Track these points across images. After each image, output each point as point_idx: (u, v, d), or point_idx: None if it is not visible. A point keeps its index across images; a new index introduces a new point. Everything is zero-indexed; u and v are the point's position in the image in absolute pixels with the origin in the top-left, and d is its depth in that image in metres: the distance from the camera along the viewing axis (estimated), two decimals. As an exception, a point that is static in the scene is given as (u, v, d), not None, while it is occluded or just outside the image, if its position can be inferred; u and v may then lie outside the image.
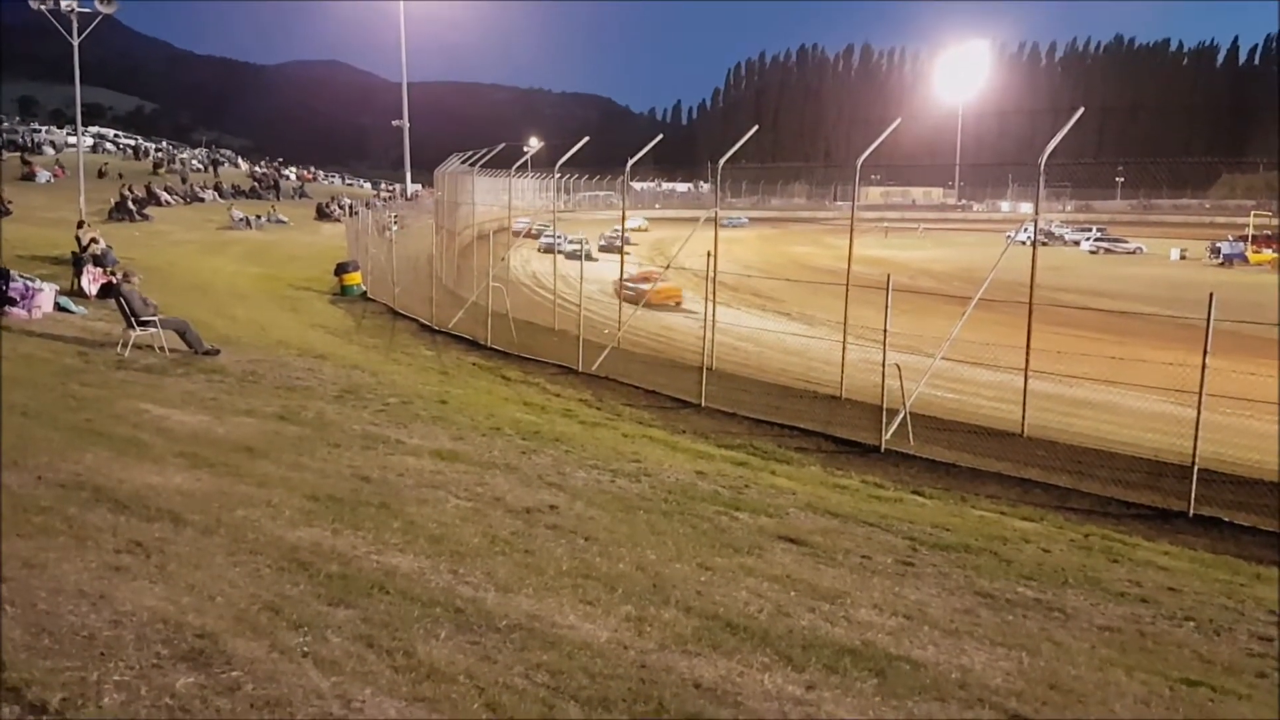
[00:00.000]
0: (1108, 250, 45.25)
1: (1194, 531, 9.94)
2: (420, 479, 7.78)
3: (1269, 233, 41.59)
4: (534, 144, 34.07)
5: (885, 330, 13.41)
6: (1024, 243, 26.06)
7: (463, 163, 30.95)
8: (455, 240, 31.05)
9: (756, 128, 22.19)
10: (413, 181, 66.36)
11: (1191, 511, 10.39)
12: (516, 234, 27.95)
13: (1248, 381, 13.42)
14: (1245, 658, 5.78)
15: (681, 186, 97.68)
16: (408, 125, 59.80)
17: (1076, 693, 4.57)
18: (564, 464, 9.02)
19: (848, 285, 16.02)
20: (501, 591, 5.17)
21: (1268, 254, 38.62)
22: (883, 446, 12.84)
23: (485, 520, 6.72)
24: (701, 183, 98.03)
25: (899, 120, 18.65)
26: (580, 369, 17.78)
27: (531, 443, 9.94)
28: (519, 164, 26.34)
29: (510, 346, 19.86)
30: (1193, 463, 10.61)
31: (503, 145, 27.92)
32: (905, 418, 13.09)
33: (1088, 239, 46.60)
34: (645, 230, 53.03)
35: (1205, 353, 10.69)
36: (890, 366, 13.18)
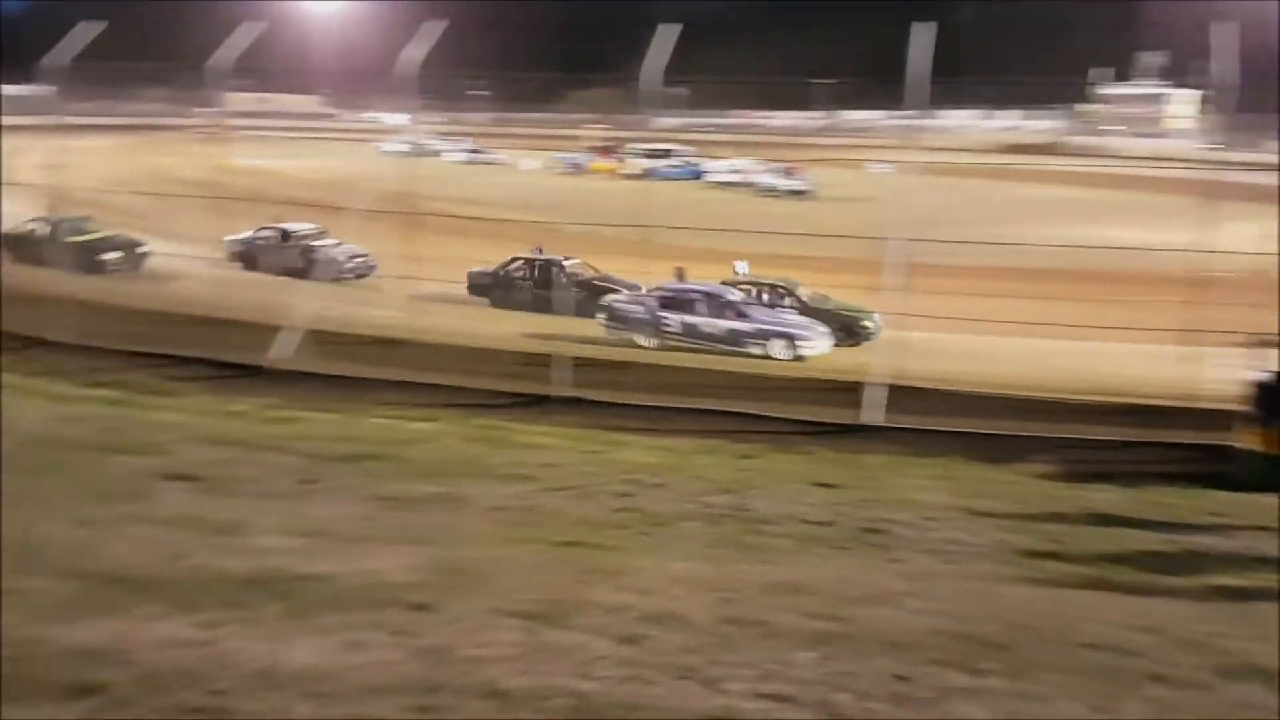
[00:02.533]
0: (473, 161, 48.11)
1: (565, 412, 11.21)
2: None
3: (608, 144, 47.30)
4: None
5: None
6: (396, 153, 26.63)
7: None
8: None
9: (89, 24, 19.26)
10: None
11: (563, 394, 11.73)
12: None
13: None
14: (609, 514, 6.72)
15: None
16: None
17: (475, 573, 4.91)
18: None
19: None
20: None
21: (606, 163, 44.04)
22: (273, 366, 12.44)
23: None
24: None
25: (264, 24, 17.57)
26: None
27: None
28: None
29: None
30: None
31: None
32: (302, 335, 12.80)
33: (457, 150, 48.96)
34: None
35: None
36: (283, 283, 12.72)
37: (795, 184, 39.46)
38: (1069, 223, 27.26)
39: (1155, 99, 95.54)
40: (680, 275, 16.29)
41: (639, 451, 9.08)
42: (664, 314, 14.99)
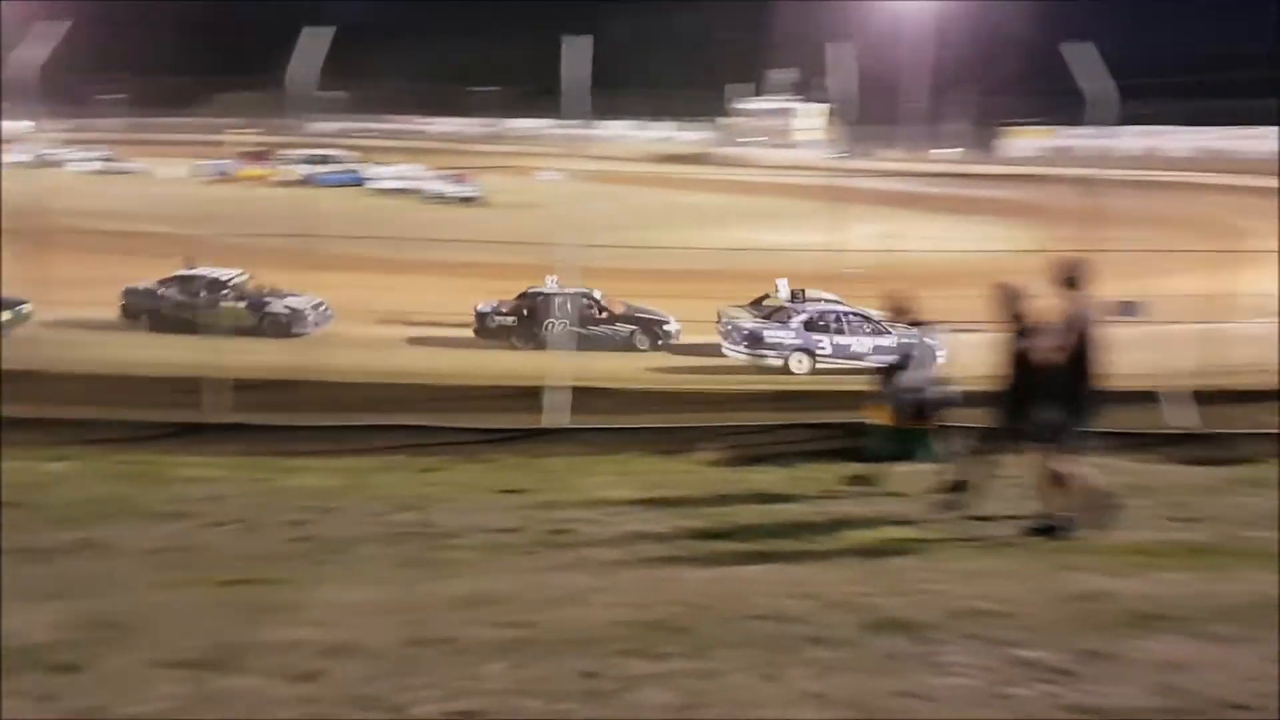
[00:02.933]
0: (108, 171, 43.69)
1: (226, 439, 10.38)
2: None
3: (258, 149, 44.64)
4: None
5: None
6: (16, 164, 23.71)
7: None
8: None
9: None
10: None
11: (222, 421, 10.87)
12: None
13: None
14: (280, 545, 6.31)
15: None
16: None
17: (129, 624, 4.42)
18: None
19: None
20: None
21: (258, 169, 41.51)
22: None
23: None
24: None
25: None
26: None
27: None
28: None
29: None
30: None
31: None
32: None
33: (88, 159, 44.19)
34: None
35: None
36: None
37: (464, 190, 39.33)
38: (718, 227, 29.33)
39: (787, 112, 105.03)
40: (799, 295, 15.85)
41: (312, 475, 8.61)
42: (815, 336, 14.71)
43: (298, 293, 16.44)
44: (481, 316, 16.55)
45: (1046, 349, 6.51)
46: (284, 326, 16.27)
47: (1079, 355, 6.39)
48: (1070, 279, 6.46)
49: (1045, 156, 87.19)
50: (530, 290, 16.04)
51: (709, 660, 3.91)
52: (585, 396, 11.79)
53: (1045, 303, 6.72)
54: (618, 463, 9.61)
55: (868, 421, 10.04)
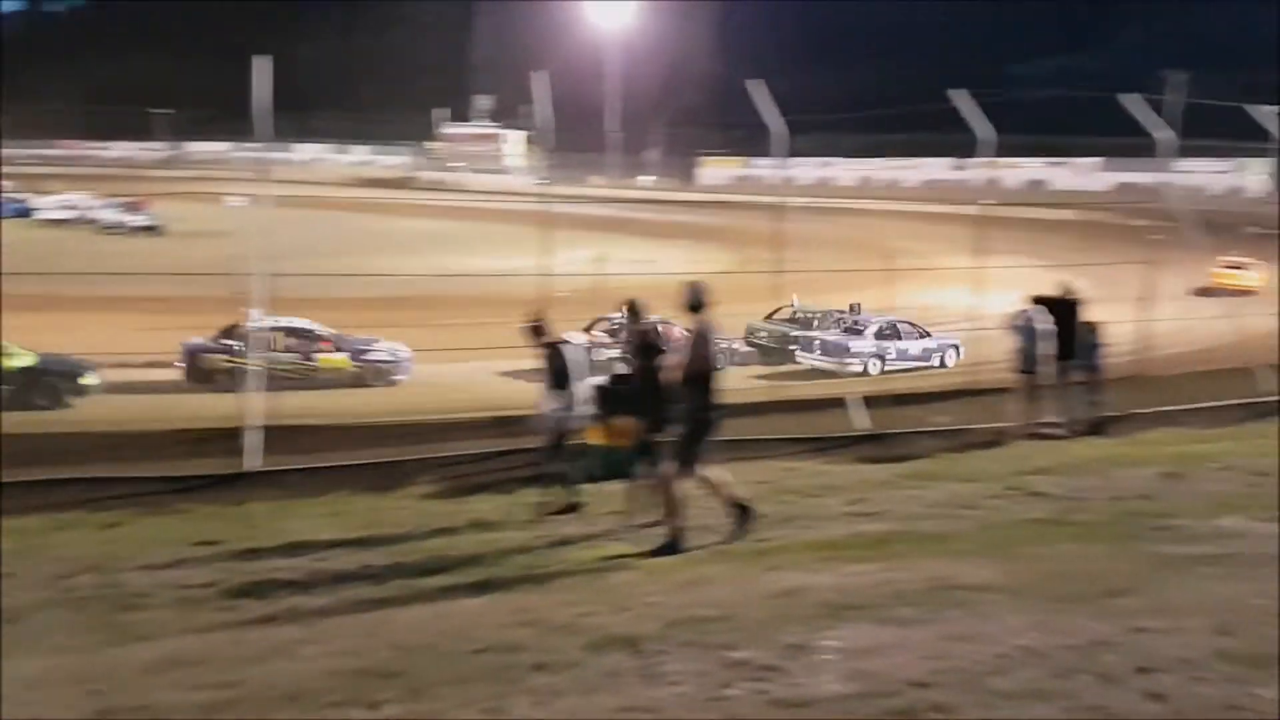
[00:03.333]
0: None
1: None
2: None
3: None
4: None
5: None
6: None
7: None
8: None
9: None
10: None
11: None
12: None
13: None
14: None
15: None
16: None
17: None
18: None
19: None
20: None
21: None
22: None
23: None
24: None
25: None
26: None
27: None
28: None
29: None
30: None
31: None
32: None
33: None
34: None
35: None
36: None
37: (142, 220, 36.38)
38: (424, 253, 28.89)
39: (491, 138, 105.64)
40: (855, 308, 17.01)
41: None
42: (884, 344, 15.82)
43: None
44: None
45: (669, 367, 6.84)
46: (387, 373, 16.17)
47: (700, 374, 6.70)
48: (693, 301, 6.79)
49: (736, 185, 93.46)
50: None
51: (429, 701, 3.80)
52: (293, 435, 11.16)
53: (674, 322, 7.10)
54: (326, 504, 9.13)
55: (588, 442, 10.24)
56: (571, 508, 8.04)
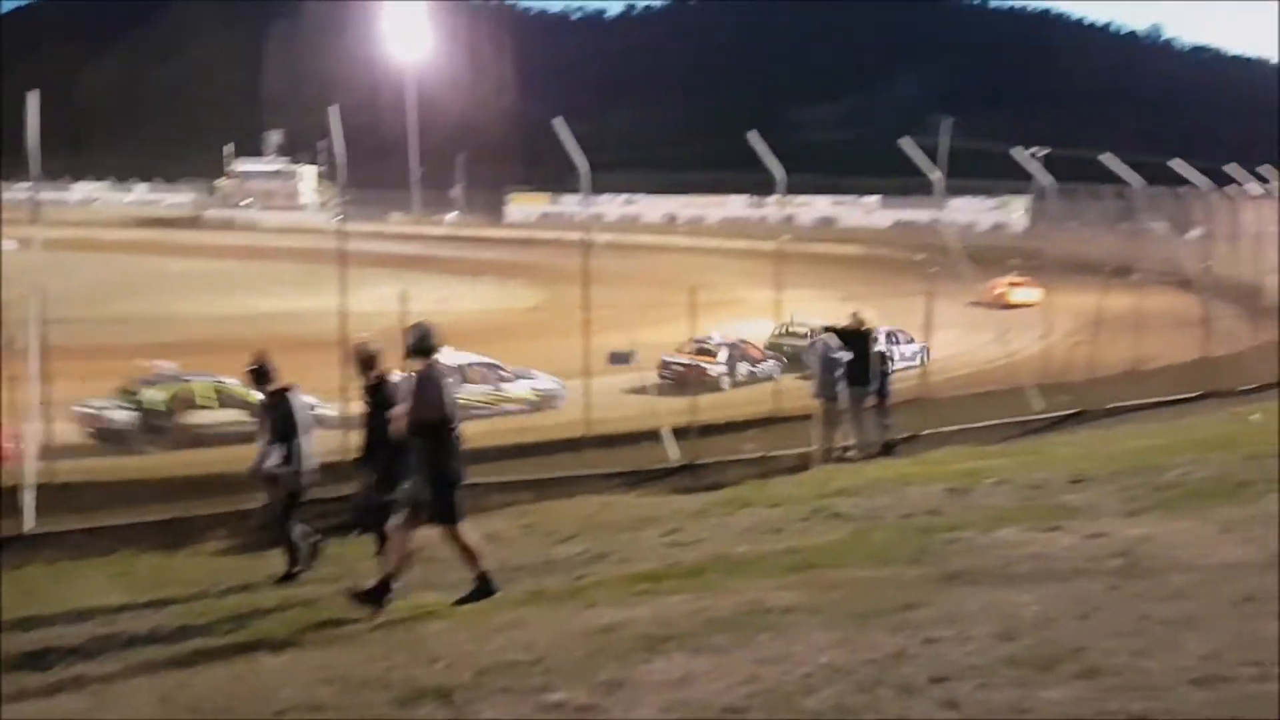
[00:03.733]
0: None
1: None
2: None
3: None
4: None
5: None
6: None
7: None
8: None
9: None
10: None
11: None
12: None
13: None
14: None
15: None
16: None
17: None
18: None
19: None
20: None
21: None
22: None
23: None
24: None
25: None
26: None
27: None
28: None
29: None
30: None
31: None
32: None
33: None
34: None
35: None
36: None
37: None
38: (216, 294, 27.45)
39: (284, 175, 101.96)
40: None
41: None
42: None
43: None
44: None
45: (397, 416, 6.42)
46: (554, 401, 16.62)
47: (428, 423, 6.27)
48: (418, 345, 6.40)
49: (543, 221, 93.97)
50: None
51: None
52: (75, 494, 10.33)
53: (399, 367, 6.91)
54: (112, 564, 8.50)
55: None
56: (290, 575, 7.60)
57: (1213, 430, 12.59)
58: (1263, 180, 22.68)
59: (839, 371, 12.23)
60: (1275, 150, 36.60)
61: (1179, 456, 9.76)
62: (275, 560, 8.05)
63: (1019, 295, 27.35)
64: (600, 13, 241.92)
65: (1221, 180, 21.93)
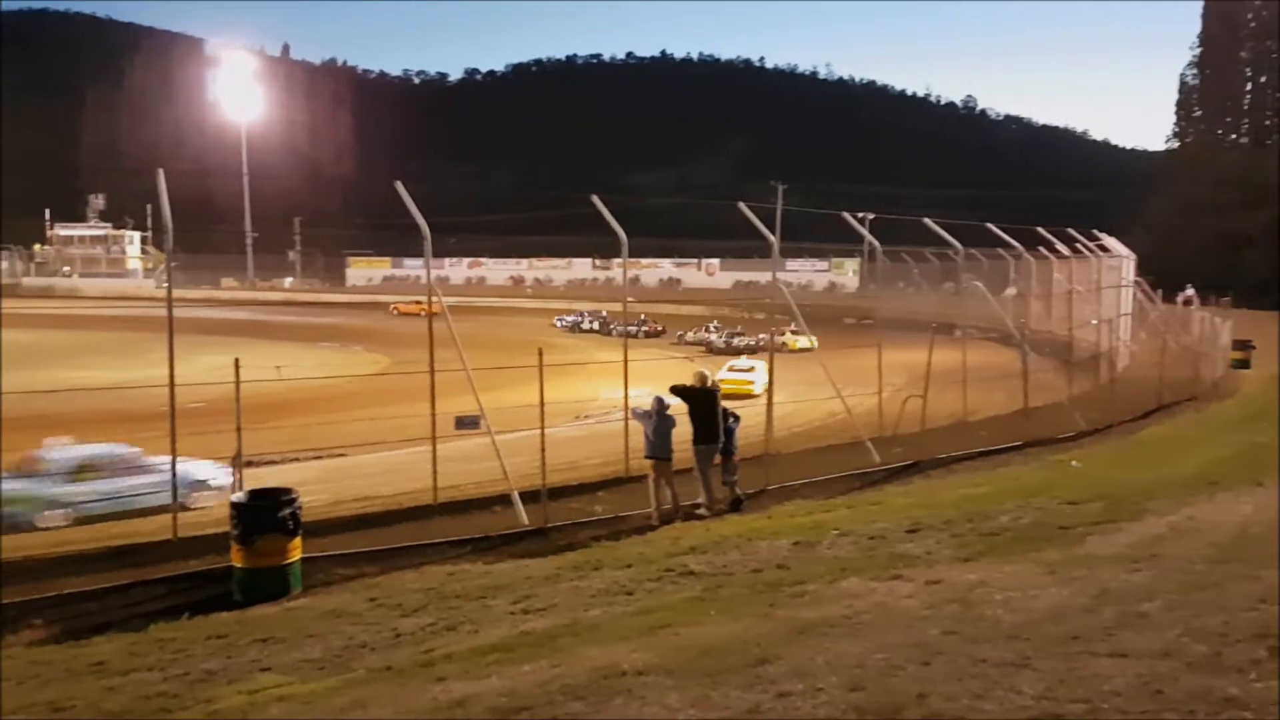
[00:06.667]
0: None
1: None
2: None
3: None
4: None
5: None
6: None
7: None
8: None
9: None
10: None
11: None
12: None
13: None
14: None
15: None
16: None
17: None
18: None
19: None
20: None
21: None
22: None
23: None
24: None
25: None
26: None
27: None
28: None
29: None
30: None
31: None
32: None
33: None
34: None
35: None
36: None
37: None
38: (35, 367, 25.55)
39: (105, 240, 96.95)
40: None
41: None
42: None
43: None
44: None
45: None
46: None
47: None
48: None
49: (385, 285, 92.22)
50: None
51: None
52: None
53: None
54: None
55: (234, 565, 9.43)
56: None
57: (1035, 477, 13.39)
58: (1069, 241, 24.56)
59: (672, 429, 12.43)
60: (1082, 213, 39.90)
61: (1006, 503, 10.34)
62: (100, 648, 7.48)
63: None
64: (443, 76, 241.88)
65: (1032, 242, 23.62)
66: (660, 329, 49.27)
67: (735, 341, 42.64)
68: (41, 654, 7.75)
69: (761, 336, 37.70)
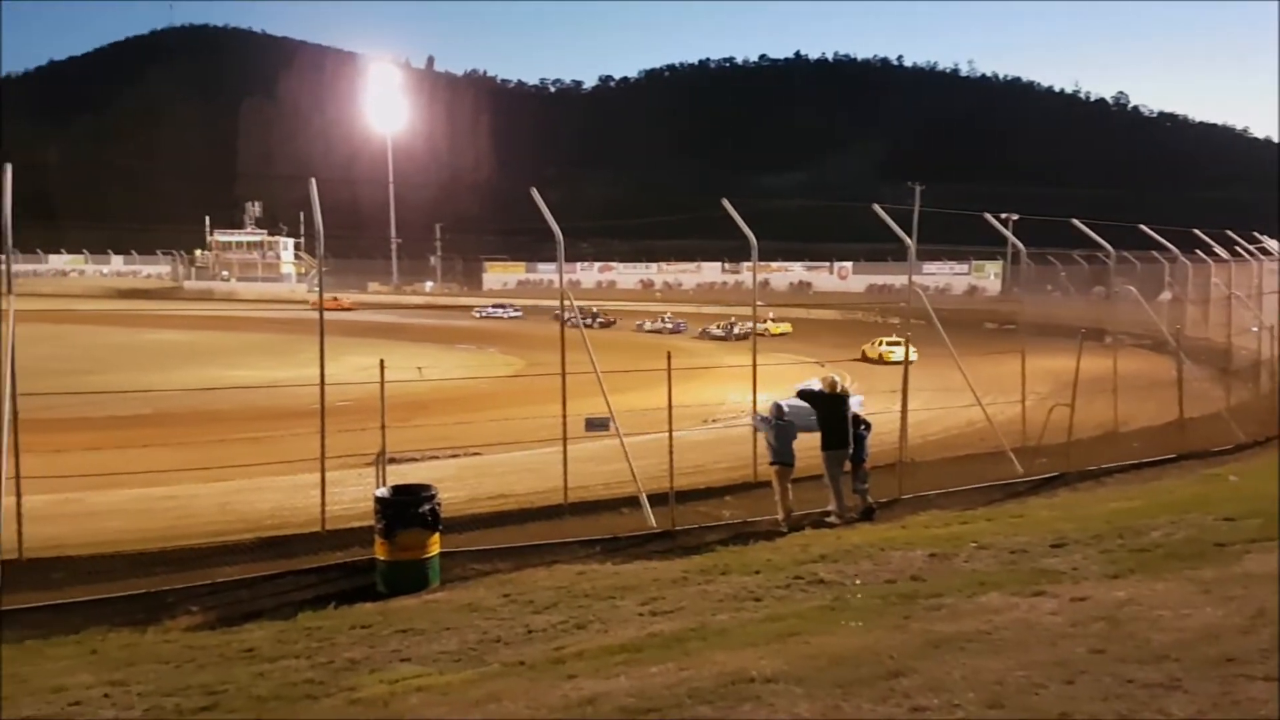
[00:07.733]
0: None
1: None
2: None
3: None
4: None
5: None
6: None
7: None
8: None
9: None
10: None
11: None
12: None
13: None
14: None
15: None
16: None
17: None
18: None
19: None
20: None
21: None
22: None
23: None
24: None
25: None
26: None
27: None
28: None
29: None
30: None
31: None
32: None
33: None
34: None
35: None
36: None
37: None
38: (194, 366, 27.28)
39: (261, 245, 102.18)
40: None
41: None
42: None
43: None
44: None
45: None
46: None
47: None
48: None
49: (519, 289, 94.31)
50: None
51: None
52: (42, 569, 10.11)
53: None
54: (78, 643, 8.27)
55: (377, 558, 9.80)
56: None
57: (1189, 491, 12.65)
58: (1228, 244, 23.19)
59: (797, 435, 12.28)
60: (1241, 215, 37.53)
61: (1158, 518, 9.79)
62: (250, 634, 7.89)
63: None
64: (578, 84, 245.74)
65: (1189, 244, 22.40)
66: (613, 320, 54.92)
67: (736, 331, 46.54)
68: (197, 639, 8.22)
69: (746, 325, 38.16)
